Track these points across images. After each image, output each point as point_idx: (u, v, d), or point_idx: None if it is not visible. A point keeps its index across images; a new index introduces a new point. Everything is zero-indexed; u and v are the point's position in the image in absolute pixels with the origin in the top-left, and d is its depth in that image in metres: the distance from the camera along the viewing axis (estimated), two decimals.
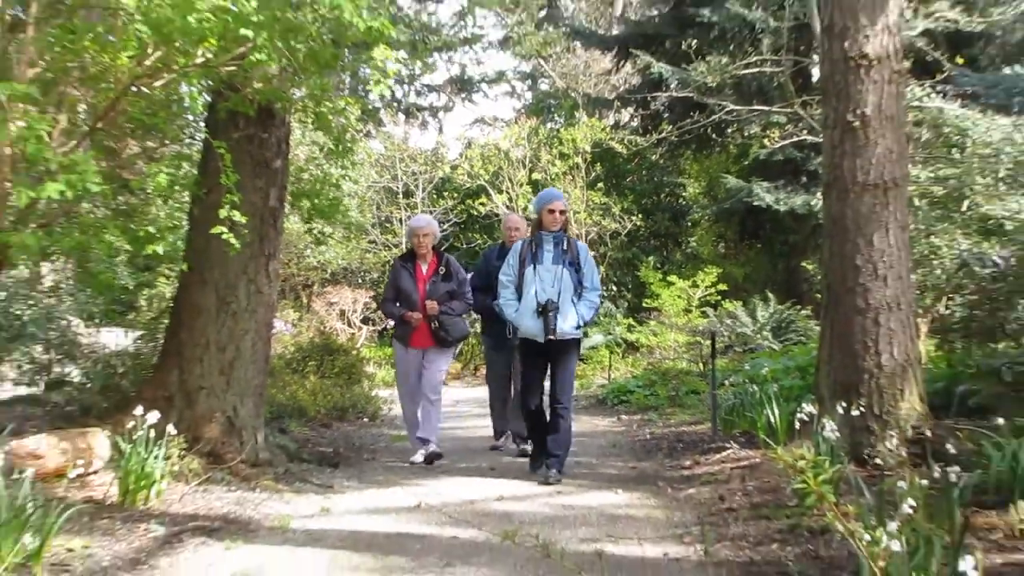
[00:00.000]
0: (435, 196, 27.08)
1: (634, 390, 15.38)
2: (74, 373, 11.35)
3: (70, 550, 5.38)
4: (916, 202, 10.77)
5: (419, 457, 8.89)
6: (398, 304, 8.98)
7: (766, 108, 18.81)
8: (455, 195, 26.80)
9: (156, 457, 6.65)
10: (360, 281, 25.13)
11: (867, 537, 2.89)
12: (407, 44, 10.55)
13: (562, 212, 8.00)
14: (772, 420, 8.86)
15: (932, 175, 11.75)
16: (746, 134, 21.93)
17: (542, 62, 31.46)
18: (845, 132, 8.00)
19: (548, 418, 8.04)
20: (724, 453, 8.76)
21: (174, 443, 6.98)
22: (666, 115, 23.19)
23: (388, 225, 27.03)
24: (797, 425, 7.52)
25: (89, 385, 10.57)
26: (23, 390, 11.19)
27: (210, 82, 7.83)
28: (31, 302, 11.10)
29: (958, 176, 11.49)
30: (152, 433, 6.59)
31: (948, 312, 10.52)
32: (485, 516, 6.69)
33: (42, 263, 11.61)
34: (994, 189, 11.28)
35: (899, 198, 7.97)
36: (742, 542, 5.82)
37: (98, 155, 8.55)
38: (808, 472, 2.82)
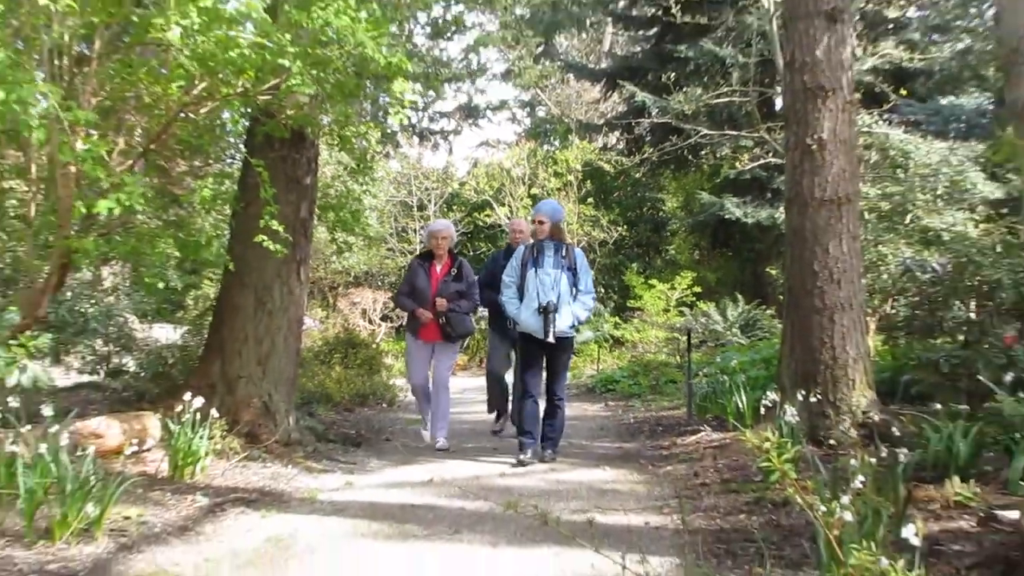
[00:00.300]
0: (445, 209, 27.09)
1: (620, 380, 15.36)
2: (130, 363, 11.35)
3: (127, 517, 5.40)
4: (866, 216, 10.78)
5: (428, 438, 8.84)
6: (411, 300, 8.80)
7: (735, 133, 18.81)
8: (463, 208, 26.82)
9: (201, 437, 6.67)
10: (379, 284, 25.12)
11: (823, 508, 2.90)
12: (421, 76, 10.52)
13: (542, 222, 7.93)
14: (740, 406, 8.88)
15: (880, 192, 11.78)
16: (718, 155, 21.91)
17: (539, 92, 31.42)
18: (804, 154, 8.02)
19: (545, 407, 7.96)
20: (698, 435, 8.75)
21: (217, 425, 7.00)
22: (648, 138, 23.17)
23: (404, 234, 27.03)
24: (762, 410, 7.52)
25: (143, 374, 10.57)
26: (86, 378, 11.20)
27: (249, 109, 7.84)
28: (93, 301, 11.11)
29: (902, 193, 11.53)
30: (198, 416, 6.62)
31: (893, 312, 10.53)
32: (489, 490, 6.69)
33: (102, 267, 11.63)
34: (933, 204, 11.33)
35: (851, 212, 7.98)
36: (714, 513, 5.83)
37: (151, 173, 8.59)
38: (772, 452, 2.83)
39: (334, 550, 5.06)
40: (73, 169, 6.13)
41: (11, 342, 5.57)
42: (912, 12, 20.63)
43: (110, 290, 12.33)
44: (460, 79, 17.71)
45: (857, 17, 16.70)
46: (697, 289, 19.26)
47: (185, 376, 8.93)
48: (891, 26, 20.06)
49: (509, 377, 9.53)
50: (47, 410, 5.42)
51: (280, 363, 8.26)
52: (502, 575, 4.53)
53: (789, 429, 6.41)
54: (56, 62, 6.25)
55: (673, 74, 19.37)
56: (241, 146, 9.15)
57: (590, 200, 23.45)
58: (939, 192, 11.58)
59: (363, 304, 21.70)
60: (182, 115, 7.09)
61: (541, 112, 33.65)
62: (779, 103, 18.62)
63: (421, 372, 8.80)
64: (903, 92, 16.91)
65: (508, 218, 23.09)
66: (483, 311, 10.18)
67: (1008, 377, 6.79)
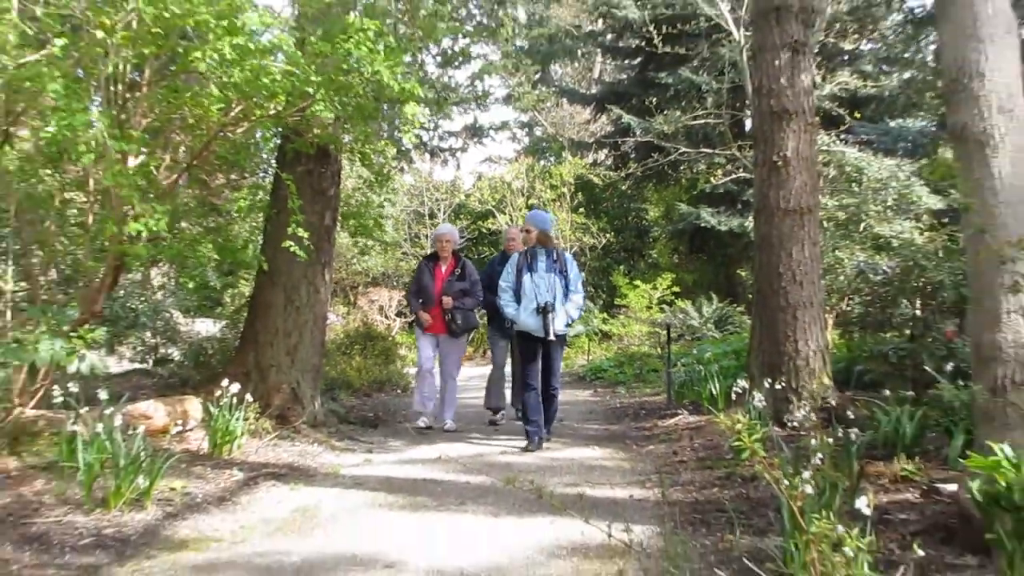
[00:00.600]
0: (453, 217, 27.05)
1: (607, 369, 15.35)
2: (175, 353, 11.38)
3: (172, 489, 5.42)
4: (825, 224, 10.78)
5: (422, 423, 8.56)
6: (420, 299, 8.65)
7: (710, 151, 18.82)
8: (469, 216, 26.81)
9: (237, 419, 6.69)
10: (395, 284, 25.07)
11: (787, 483, 2.91)
12: (432, 102, 10.55)
13: (528, 231, 7.99)
14: (714, 392, 8.90)
15: (837, 203, 11.79)
16: (695, 171, 21.89)
17: (537, 114, 31.37)
18: (771, 170, 8.03)
19: (542, 395, 7.72)
20: (677, 418, 8.76)
21: (251, 408, 7.01)
22: (633, 155, 23.14)
23: (416, 240, 27.02)
24: (733, 396, 7.54)
25: (186, 362, 10.61)
26: (137, 366, 11.23)
27: (279, 129, 7.87)
28: (143, 299, 11.15)
29: (856, 204, 11.54)
30: (234, 400, 6.64)
31: (849, 309, 10.53)
32: (491, 466, 6.70)
33: (151, 268, 11.65)
34: (884, 215, 11.34)
35: (812, 221, 8.00)
36: (690, 487, 5.84)
37: (193, 185, 8.61)
38: (743, 433, 2.84)
39: (354, 519, 5.08)
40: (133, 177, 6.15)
41: (72, 334, 5.59)
42: (865, 45, 20.65)
43: (157, 289, 12.35)
44: (466, 103, 17.71)
45: (817, 49, 16.70)
46: (676, 289, 19.26)
47: (223, 365, 8.95)
48: (846, 57, 20.08)
49: (507, 369, 9.45)
50: (103, 394, 5.44)
51: (307, 353, 8.27)
52: (503, 541, 4.54)
53: (757, 413, 6.41)
54: (112, 88, 6.26)
55: (655, 98, 19.42)
56: (272, 161, 9.19)
57: (581, 210, 23.43)
58: (889, 204, 11.59)
59: (380, 302, 21.65)
60: (221, 134, 7.11)
61: (538, 132, 33.57)
62: (748, 125, 18.64)
63: (428, 357, 8.64)
64: (857, 115, 16.92)
65: (508, 225, 23.11)
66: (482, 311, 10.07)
67: (949, 367, 6.80)
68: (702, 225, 19.89)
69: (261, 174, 10.25)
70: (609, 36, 25.46)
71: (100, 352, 7.70)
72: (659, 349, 15.30)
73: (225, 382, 6.64)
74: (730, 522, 4.59)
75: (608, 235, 23.62)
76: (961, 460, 4.58)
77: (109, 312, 9.38)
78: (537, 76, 29.78)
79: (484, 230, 24.94)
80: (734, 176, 18.77)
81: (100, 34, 5.64)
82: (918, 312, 8.54)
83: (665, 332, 11.75)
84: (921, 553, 3.22)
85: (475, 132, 30.78)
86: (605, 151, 26.69)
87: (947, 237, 9.76)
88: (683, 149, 18.58)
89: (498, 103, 31.50)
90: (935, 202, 11.78)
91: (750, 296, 12.48)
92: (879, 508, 4.59)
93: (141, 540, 4.50)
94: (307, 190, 8.00)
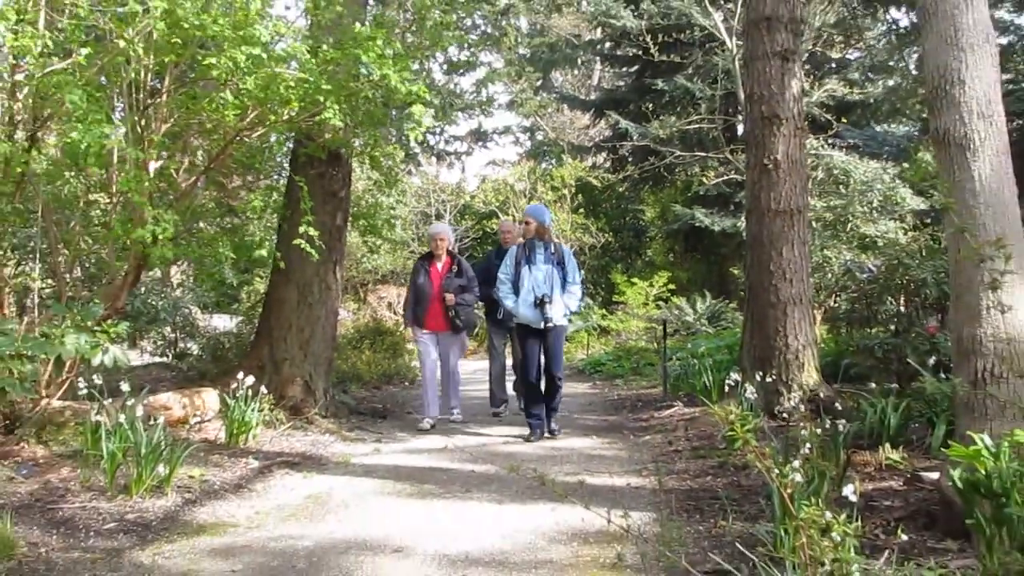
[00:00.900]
0: (459, 218, 27.05)
1: (606, 363, 15.30)
2: (193, 347, 11.42)
3: (191, 477, 5.43)
4: (813, 224, 10.78)
5: (427, 424, 8.20)
6: (416, 303, 8.30)
7: (704, 154, 18.76)
8: (473, 217, 26.78)
9: (252, 410, 6.70)
10: (403, 281, 25.03)
11: (777, 471, 2.91)
12: (438, 108, 10.58)
13: (527, 223, 7.62)
14: (708, 385, 8.89)
15: (825, 204, 11.80)
16: (689, 173, 21.81)
17: (538, 119, 31.32)
18: (762, 172, 8.03)
19: (546, 385, 7.58)
20: (672, 409, 8.76)
21: (265, 400, 7.02)
22: (630, 159, 23.09)
23: (424, 239, 27.02)
24: (726, 389, 7.52)
25: (204, 356, 10.65)
26: (157, 359, 11.26)
27: (293, 133, 7.89)
28: (163, 295, 11.17)
29: (843, 205, 11.56)
30: (250, 392, 6.65)
31: (836, 305, 10.52)
32: (495, 455, 6.71)
33: (170, 266, 11.68)
34: (869, 215, 11.37)
35: (801, 221, 8.00)
36: (685, 475, 5.85)
37: (210, 187, 8.63)
38: (735, 423, 2.84)
39: (364, 505, 5.09)
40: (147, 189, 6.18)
41: (95, 329, 5.61)
42: (851, 54, 20.65)
43: (177, 286, 12.39)
44: (471, 108, 17.69)
45: (806, 57, 16.68)
46: (672, 286, 19.21)
47: (239, 358, 8.96)
48: (834, 66, 20.04)
49: (508, 361, 9.33)
50: (125, 386, 5.46)
51: (319, 348, 8.28)
52: (507, 527, 4.55)
53: (749, 404, 6.41)
54: (133, 95, 6.28)
55: (651, 104, 19.36)
56: (286, 164, 9.19)
57: (581, 210, 23.38)
58: (874, 205, 11.61)
59: (389, 298, 21.66)
60: (237, 139, 7.13)
61: (540, 136, 33.54)
62: (740, 129, 18.61)
63: (432, 360, 8.38)
64: (844, 121, 16.90)
65: (504, 219, 23.07)
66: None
67: (931, 361, 6.82)
68: (696, 225, 19.84)
69: (275, 177, 10.26)
70: (607, 45, 25.41)
71: (122, 346, 7.70)
72: (655, 344, 15.28)
73: (241, 375, 6.66)
74: (723, 509, 4.59)
75: (607, 235, 23.56)
76: (943, 449, 4.59)
77: (131, 308, 9.41)
78: (539, 83, 29.72)
79: (488, 230, 24.91)
80: (726, 178, 18.70)
81: (122, 44, 5.65)
82: (902, 308, 8.54)
83: (661, 328, 11.77)
84: (905, 538, 3.24)
85: (479, 136, 30.73)
86: (604, 154, 26.62)
87: (929, 237, 9.78)
88: (678, 153, 18.51)
89: (501, 109, 31.46)
90: (918, 203, 11.82)
91: (742, 293, 12.47)
92: (865, 495, 4.60)
93: (161, 525, 4.52)
94: (319, 192, 7.99)
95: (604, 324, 19.28)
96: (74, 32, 5.72)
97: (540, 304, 7.26)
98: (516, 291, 7.43)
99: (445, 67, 11.59)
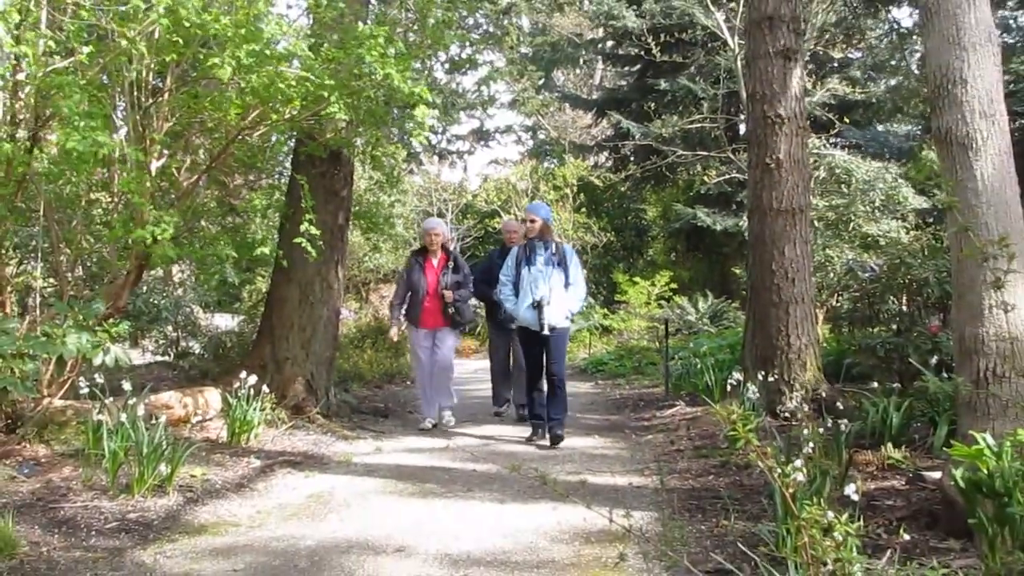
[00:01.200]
0: (461, 217, 27.04)
1: (608, 362, 15.28)
2: (195, 346, 11.42)
3: (193, 476, 5.44)
4: (815, 223, 10.78)
5: (428, 424, 8.09)
6: (406, 302, 8.10)
7: (706, 154, 18.73)
8: (475, 216, 26.75)
9: (254, 409, 6.70)
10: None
11: (779, 470, 2.91)
12: (441, 107, 10.60)
13: (532, 221, 7.35)
14: (710, 384, 8.88)
15: (827, 204, 11.79)
16: (691, 173, 21.80)
17: (540, 118, 31.30)
18: (764, 172, 8.02)
19: (548, 388, 7.38)
20: (674, 409, 8.75)
21: (267, 399, 7.02)
22: (632, 158, 23.09)
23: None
24: (728, 388, 7.52)
25: (206, 355, 10.64)
26: (159, 358, 11.26)
27: (294, 132, 7.87)
28: (164, 294, 11.18)
29: (845, 205, 11.56)
30: (251, 391, 6.66)
31: (838, 305, 10.54)
32: (496, 455, 6.71)
33: (172, 265, 11.69)
34: (871, 215, 11.36)
35: (803, 220, 7.99)
36: (687, 474, 5.84)
37: (212, 186, 8.62)
38: (737, 422, 2.84)
39: (366, 504, 5.09)
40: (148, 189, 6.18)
41: (97, 328, 5.61)
42: (853, 54, 20.62)
43: (178, 285, 12.40)
44: (473, 107, 17.70)
45: (808, 57, 16.67)
46: (673, 286, 19.19)
47: (241, 357, 8.96)
48: (836, 65, 20.00)
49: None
50: (126, 385, 5.47)
51: (321, 347, 8.28)
52: (508, 526, 4.55)
53: (751, 404, 6.41)
54: (135, 94, 6.27)
55: (653, 104, 19.37)
56: (287, 163, 9.18)
57: (583, 210, 23.36)
58: (876, 204, 11.61)
59: (391, 298, 21.71)
60: (239, 137, 7.12)
61: (542, 135, 33.54)
62: (743, 129, 18.60)
63: (426, 363, 8.14)
64: (846, 120, 16.88)
65: (507, 218, 23.06)
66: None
67: (933, 360, 6.82)
68: (698, 225, 19.84)
69: (277, 176, 10.26)
70: (609, 44, 25.42)
71: (124, 345, 7.72)
72: (657, 343, 15.27)
73: (243, 374, 6.67)
74: (725, 508, 4.59)
75: (609, 234, 23.54)
76: (945, 449, 4.58)
77: (132, 307, 9.41)
78: (541, 82, 29.74)
79: (491, 229, 24.88)
80: (728, 177, 18.70)
81: (124, 43, 5.65)
82: (904, 308, 8.55)
83: (663, 327, 11.75)
84: (907, 537, 3.23)
85: (481, 135, 30.79)
86: (605, 154, 26.62)
87: (931, 236, 9.78)
88: (680, 152, 18.50)
89: (503, 108, 31.54)
90: (921, 202, 11.83)
91: (744, 292, 12.47)
92: (867, 495, 4.60)
93: (163, 524, 4.52)
94: (321, 191, 7.98)
95: (606, 323, 19.27)
96: (77, 32, 5.71)
97: (538, 307, 7.03)
98: (517, 293, 7.27)
99: (447, 66, 11.58)
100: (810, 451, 3.99)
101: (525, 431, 7.59)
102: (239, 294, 14.99)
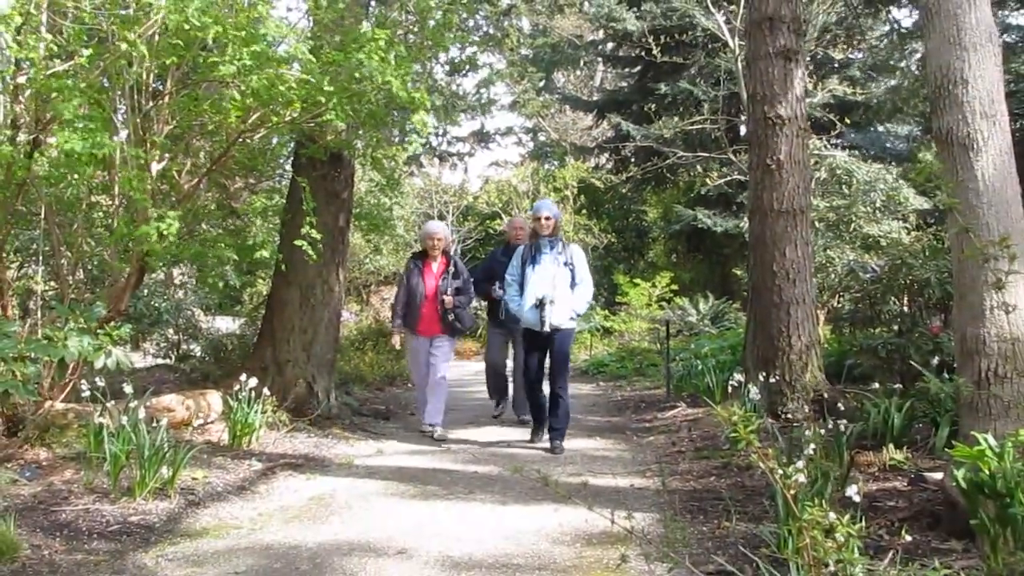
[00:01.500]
0: (461, 219, 27.04)
1: (609, 364, 15.28)
2: (196, 349, 11.43)
3: (194, 479, 5.43)
4: (816, 224, 10.78)
5: (429, 427, 7.79)
6: (407, 307, 7.84)
7: (706, 155, 18.73)
8: (476, 218, 26.76)
9: (255, 412, 6.70)
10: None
11: (781, 472, 2.91)
12: (441, 109, 10.63)
13: (547, 219, 7.12)
14: (711, 385, 8.88)
15: (828, 205, 11.80)
16: (692, 174, 21.79)
17: (541, 120, 31.32)
18: (765, 173, 8.03)
19: (548, 398, 7.21)
20: (675, 410, 8.76)
21: (268, 402, 7.01)
22: (632, 160, 23.06)
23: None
24: (729, 389, 7.52)
25: (207, 358, 10.65)
26: (160, 361, 11.26)
27: (295, 135, 7.86)
28: (165, 297, 11.19)
29: (846, 206, 11.56)
30: (252, 394, 6.65)
31: (839, 306, 10.54)
32: (498, 457, 6.71)
33: (172, 268, 11.70)
34: (872, 215, 11.37)
35: (804, 221, 7.99)
36: (688, 476, 5.84)
37: (212, 188, 8.62)
38: (739, 424, 2.84)
39: (367, 507, 5.09)
40: (149, 188, 6.18)
41: (98, 331, 5.61)
42: (853, 54, 20.61)
43: (179, 288, 12.40)
44: (474, 109, 17.71)
45: (808, 58, 16.68)
46: (674, 287, 19.19)
47: (242, 360, 8.96)
48: (836, 66, 20.00)
49: (508, 364, 8.93)
50: (127, 388, 5.47)
51: (322, 349, 8.27)
52: (510, 528, 4.55)
53: (752, 405, 6.40)
54: (135, 96, 6.28)
55: (653, 105, 19.35)
56: (288, 166, 9.19)
57: (584, 211, 23.37)
58: (877, 205, 11.61)
59: (392, 300, 21.72)
60: (240, 140, 7.12)
61: (542, 137, 33.53)
62: (743, 130, 18.62)
63: (423, 370, 7.90)
64: (846, 121, 16.89)
65: (514, 214, 23.04)
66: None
67: (935, 361, 6.81)
68: (699, 226, 19.86)
69: (278, 178, 10.26)
70: (610, 46, 25.42)
71: (125, 348, 7.72)
72: (658, 344, 15.26)
73: (244, 377, 6.66)
74: (727, 509, 4.59)
75: (609, 236, 23.55)
76: (947, 450, 4.58)
77: (134, 310, 9.42)
78: (541, 84, 29.76)
79: (491, 231, 24.90)
80: (729, 179, 18.69)
81: (124, 46, 5.65)
82: (905, 308, 8.54)
83: (664, 328, 11.75)
84: (908, 538, 3.23)
85: (482, 137, 30.79)
86: (606, 155, 26.61)
87: (933, 237, 9.78)
88: (680, 153, 18.50)
89: (504, 109, 31.52)
90: (922, 203, 11.83)
91: (745, 293, 12.45)
92: (869, 496, 4.60)
93: (165, 527, 4.52)
94: (321, 193, 7.98)
95: (607, 325, 19.27)
96: (77, 35, 5.72)
97: (540, 306, 6.87)
98: (523, 292, 7.10)
99: (447, 68, 11.58)
100: (811, 452, 3.99)
101: (526, 434, 7.59)
102: (240, 297, 15.00)
